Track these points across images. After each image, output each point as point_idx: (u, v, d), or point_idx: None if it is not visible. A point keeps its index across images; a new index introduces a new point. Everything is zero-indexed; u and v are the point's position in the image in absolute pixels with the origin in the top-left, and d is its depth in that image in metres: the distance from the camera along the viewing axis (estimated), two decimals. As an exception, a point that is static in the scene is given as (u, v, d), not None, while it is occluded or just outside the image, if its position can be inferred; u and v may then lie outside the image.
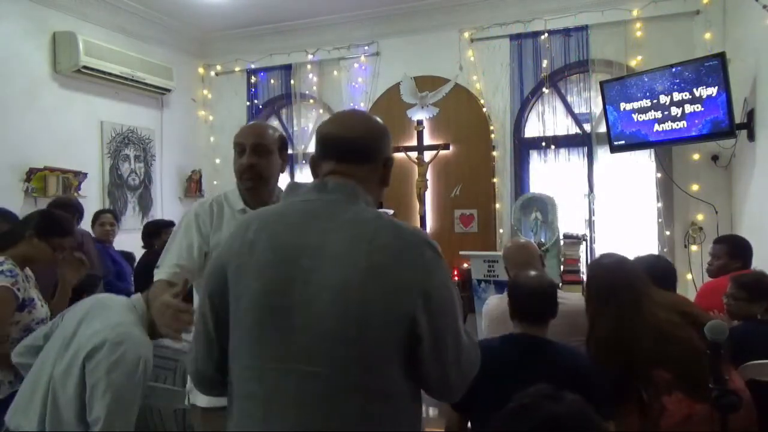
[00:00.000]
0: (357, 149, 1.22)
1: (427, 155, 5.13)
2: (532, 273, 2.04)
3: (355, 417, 1.07)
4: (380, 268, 1.07)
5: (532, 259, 2.44)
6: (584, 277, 4.41)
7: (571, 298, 2.36)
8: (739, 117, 3.73)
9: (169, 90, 5.35)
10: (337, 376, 1.06)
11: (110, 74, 4.69)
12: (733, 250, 2.90)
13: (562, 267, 4.35)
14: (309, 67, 5.55)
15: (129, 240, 4.42)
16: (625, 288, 2.03)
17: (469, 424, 1.97)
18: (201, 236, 1.81)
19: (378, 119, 1.30)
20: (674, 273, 2.59)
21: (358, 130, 1.24)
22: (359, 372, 1.07)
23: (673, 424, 1.84)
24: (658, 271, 2.40)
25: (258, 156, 1.80)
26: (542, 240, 4.49)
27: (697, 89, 3.76)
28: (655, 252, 4.44)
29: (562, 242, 4.42)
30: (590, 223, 4.68)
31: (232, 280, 1.15)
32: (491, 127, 4.98)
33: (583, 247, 4.45)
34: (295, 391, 1.07)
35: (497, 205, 4.97)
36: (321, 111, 5.61)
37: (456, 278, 4.59)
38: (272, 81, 5.67)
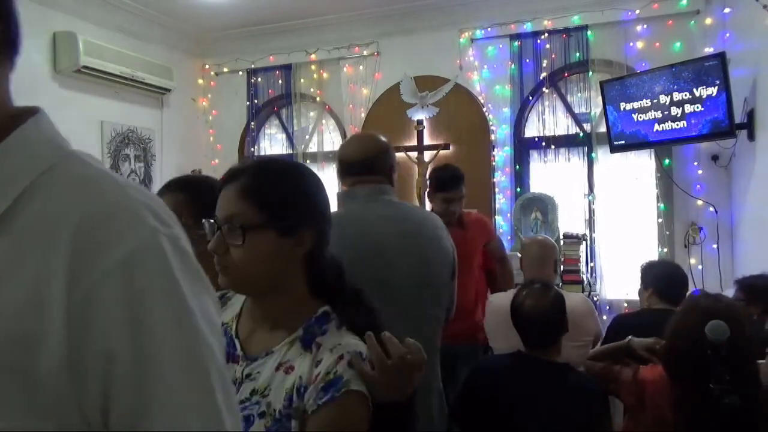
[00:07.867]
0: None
1: (427, 155, 5.12)
2: (537, 287, 1.93)
3: None
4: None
5: (547, 258, 2.42)
6: (585, 277, 4.42)
7: (574, 299, 2.35)
8: (739, 117, 3.73)
9: (169, 90, 5.34)
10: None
11: (110, 74, 4.68)
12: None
13: (562, 267, 4.35)
14: (309, 67, 5.55)
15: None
16: None
17: None
18: None
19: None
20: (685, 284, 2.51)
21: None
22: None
23: None
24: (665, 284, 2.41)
25: None
26: (542, 240, 4.49)
27: (697, 89, 3.76)
28: (655, 252, 4.46)
29: (562, 242, 4.42)
30: (590, 223, 4.68)
31: None
32: (491, 127, 4.98)
33: (583, 247, 4.46)
34: None
35: (497, 205, 4.97)
36: (321, 111, 5.61)
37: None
38: (272, 81, 5.67)
